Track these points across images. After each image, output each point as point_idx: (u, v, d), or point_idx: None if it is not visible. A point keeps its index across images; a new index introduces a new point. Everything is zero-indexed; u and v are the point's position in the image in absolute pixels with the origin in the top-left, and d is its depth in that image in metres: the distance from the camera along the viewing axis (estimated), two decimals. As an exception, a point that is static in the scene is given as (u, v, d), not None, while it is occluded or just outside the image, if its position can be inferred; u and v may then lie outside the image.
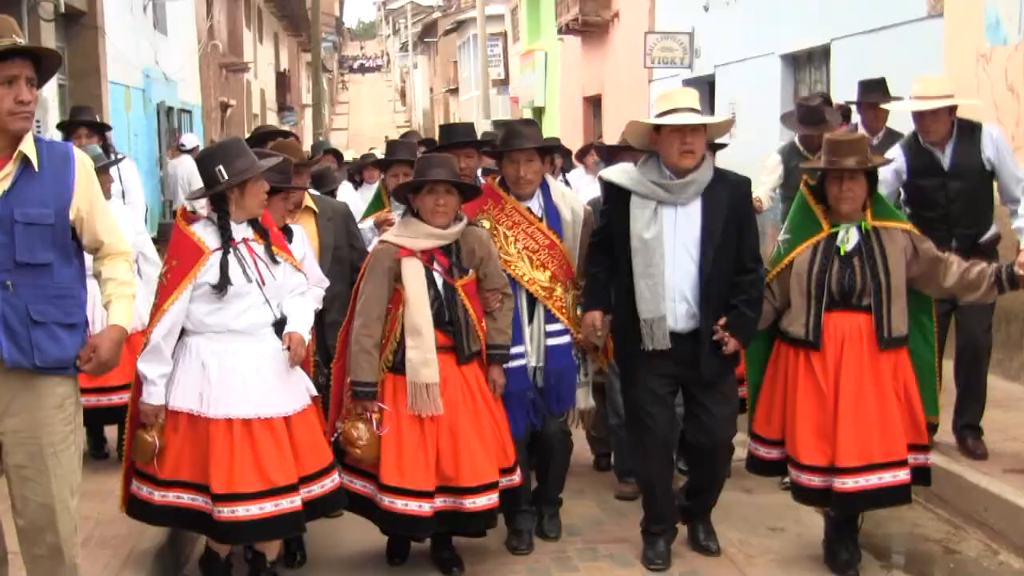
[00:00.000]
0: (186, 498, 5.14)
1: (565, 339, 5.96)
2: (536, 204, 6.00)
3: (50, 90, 12.33)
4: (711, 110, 16.75)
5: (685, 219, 5.63)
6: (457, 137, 6.81)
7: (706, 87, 16.77)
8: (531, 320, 5.92)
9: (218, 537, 5.29)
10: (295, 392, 5.28)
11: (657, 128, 5.68)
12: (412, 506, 5.44)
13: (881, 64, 10.52)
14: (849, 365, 5.55)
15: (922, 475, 5.75)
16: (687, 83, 17.80)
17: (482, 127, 34.29)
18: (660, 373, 5.74)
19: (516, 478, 5.80)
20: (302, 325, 5.31)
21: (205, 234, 5.16)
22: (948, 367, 7.04)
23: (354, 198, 9.73)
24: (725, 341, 5.60)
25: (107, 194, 6.95)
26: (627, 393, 5.97)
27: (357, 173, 12.77)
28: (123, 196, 8.04)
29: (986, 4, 9.64)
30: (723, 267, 5.64)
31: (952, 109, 6.95)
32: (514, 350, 5.83)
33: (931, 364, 5.78)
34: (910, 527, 6.36)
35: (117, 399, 6.67)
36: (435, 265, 5.55)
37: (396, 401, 5.53)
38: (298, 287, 5.44)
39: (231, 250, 5.14)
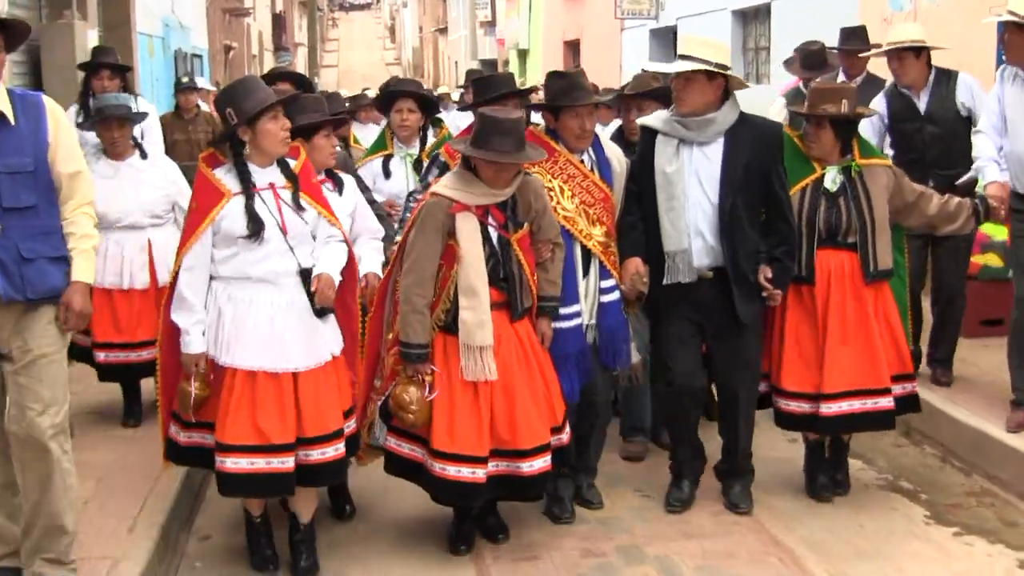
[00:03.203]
0: (209, 439, 4.89)
1: (616, 295, 5.53)
2: (586, 156, 5.55)
3: (92, 42, 13.77)
4: (674, 58, 17.87)
5: (703, 158, 5.45)
6: (495, 90, 6.01)
7: (671, 36, 17.65)
8: (585, 275, 5.49)
9: (218, 487, 4.93)
10: (310, 348, 4.85)
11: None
12: (465, 472, 4.97)
13: (809, 21, 11.83)
14: (836, 298, 5.57)
15: (910, 403, 5.80)
16: (654, 33, 18.90)
17: (470, 66, 35.66)
18: (684, 316, 5.56)
19: (564, 437, 5.30)
20: (331, 267, 4.89)
21: (227, 178, 4.82)
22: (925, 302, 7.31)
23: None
24: (772, 295, 5.48)
25: (126, 140, 6.77)
26: (653, 336, 5.75)
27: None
28: (142, 136, 7.76)
29: (891, -27, 10.72)
30: (748, 210, 5.44)
31: (926, 57, 6.98)
32: (570, 309, 5.39)
33: (903, 298, 5.83)
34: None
35: (147, 355, 6.34)
36: (490, 220, 5.06)
37: (447, 362, 5.05)
38: (332, 237, 4.99)
39: (255, 195, 4.79)
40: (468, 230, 5.01)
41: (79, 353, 6.67)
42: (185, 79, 12.11)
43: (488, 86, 6.14)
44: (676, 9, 17.95)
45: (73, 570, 4.55)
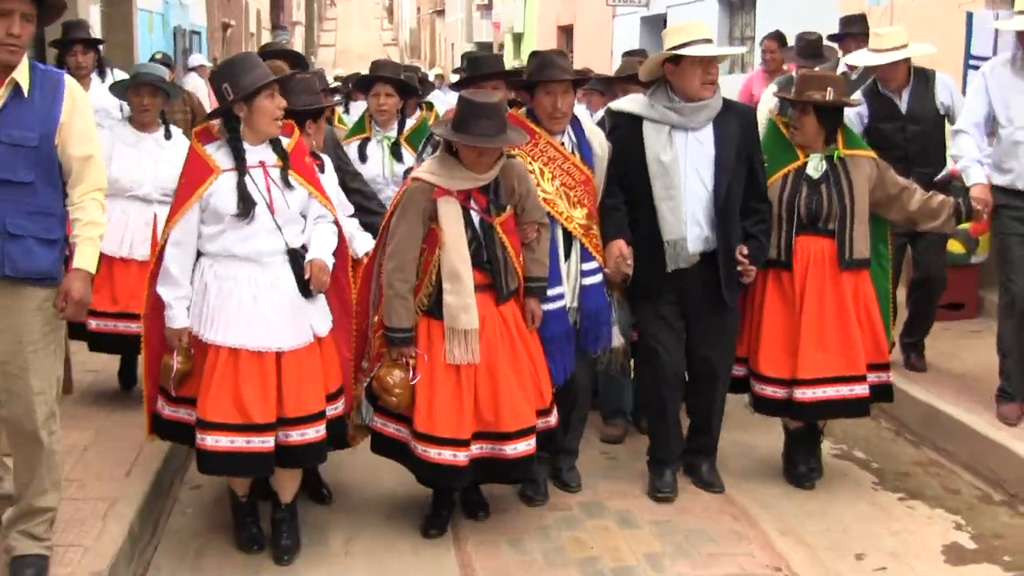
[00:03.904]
0: (192, 415, 4.85)
1: (599, 278, 5.49)
2: (566, 139, 5.50)
3: (95, 17, 13.99)
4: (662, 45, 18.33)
5: (697, 145, 5.44)
6: (484, 68, 6.16)
7: (661, 24, 17.63)
8: (567, 258, 5.46)
9: (198, 464, 4.87)
10: (294, 328, 4.79)
11: (674, 59, 5.42)
12: (447, 455, 4.97)
13: (792, 13, 12.24)
14: (813, 284, 5.59)
15: (884, 392, 5.82)
16: (645, 20, 19.16)
17: (465, 48, 35.88)
18: (669, 301, 5.56)
19: (552, 420, 5.29)
20: (324, 251, 4.86)
21: (218, 154, 4.75)
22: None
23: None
24: (747, 270, 5.50)
25: (156, 111, 6.63)
26: (639, 322, 5.72)
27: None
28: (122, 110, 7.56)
29: (869, -31, 11.12)
30: (735, 193, 5.47)
31: (910, 59, 7.05)
32: (553, 291, 5.35)
33: (885, 289, 5.87)
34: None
35: (136, 328, 5.82)
36: (472, 203, 5.02)
37: (431, 345, 5.03)
38: (322, 218, 4.95)
39: (246, 173, 4.72)
40: (449, 214, 4.98)
41: (76, 331, 6.50)
42: (159, 55, 11.48)
43: (477, 66, 6.28)
44: (666, -3, 18.25)
45: (48, 547, 4.53)
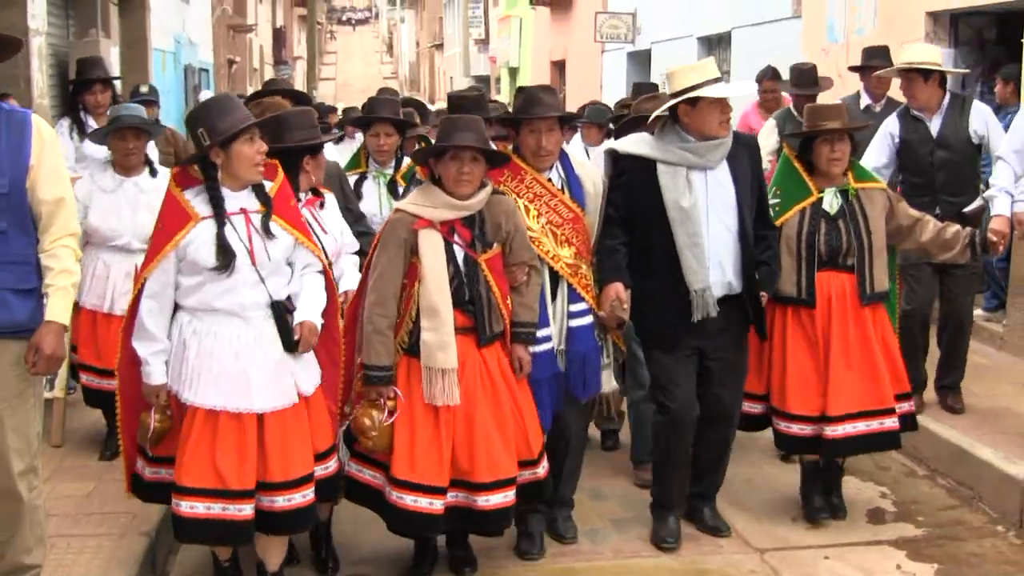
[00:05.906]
0: (170, 474, 4.51)
1: (588, 319, 5.22)
2: (555, 175, 5.24)
3: (115, 57, 14.67)
4: (649, 80, 19.35)
5: (716, 184, 5.20)
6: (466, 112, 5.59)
7: (646, 59, 19.08)
8: (554, 299, 5.19)
9: (174, 531, 4.55)
10: (277, 388, 4.44)
11: (690, 101, 5.15)
12: (423, 503, 4.72)
13: (762, 50, 12.95)
14: (838, 320, 5.49)
15: (908, 422, 5.74)
16: (631, 56, 19.98)
17: (463, 83, 36.69)
18: (686, 344, 5.32)
19: (540, 471, 5.01)
20: (313, 311, 4.52)
21: (196, 200, 4.38)
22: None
23: (331, 154, 8.24)
24: (759, 297, 5.33)
25: (140, 154, 6.33)
26: (651, 369, 5.49)
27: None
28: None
29: (827, 11, 12.23)
30: (751, 229, 5.31)
31: (936, 80, 6.80)
32: (541, 333, 5.06)
33: (892, 322, 5.84)
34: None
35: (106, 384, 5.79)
36: (456, 238, 4.77)
37: (411, 386, 4.77)
38: (310, 267, 4.61)
39: (226, 222, 4.37)
40: (430, 246, 4.75)
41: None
42: (144, 88, 10.44)
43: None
44: (650, 35, 19.11)
45: None
